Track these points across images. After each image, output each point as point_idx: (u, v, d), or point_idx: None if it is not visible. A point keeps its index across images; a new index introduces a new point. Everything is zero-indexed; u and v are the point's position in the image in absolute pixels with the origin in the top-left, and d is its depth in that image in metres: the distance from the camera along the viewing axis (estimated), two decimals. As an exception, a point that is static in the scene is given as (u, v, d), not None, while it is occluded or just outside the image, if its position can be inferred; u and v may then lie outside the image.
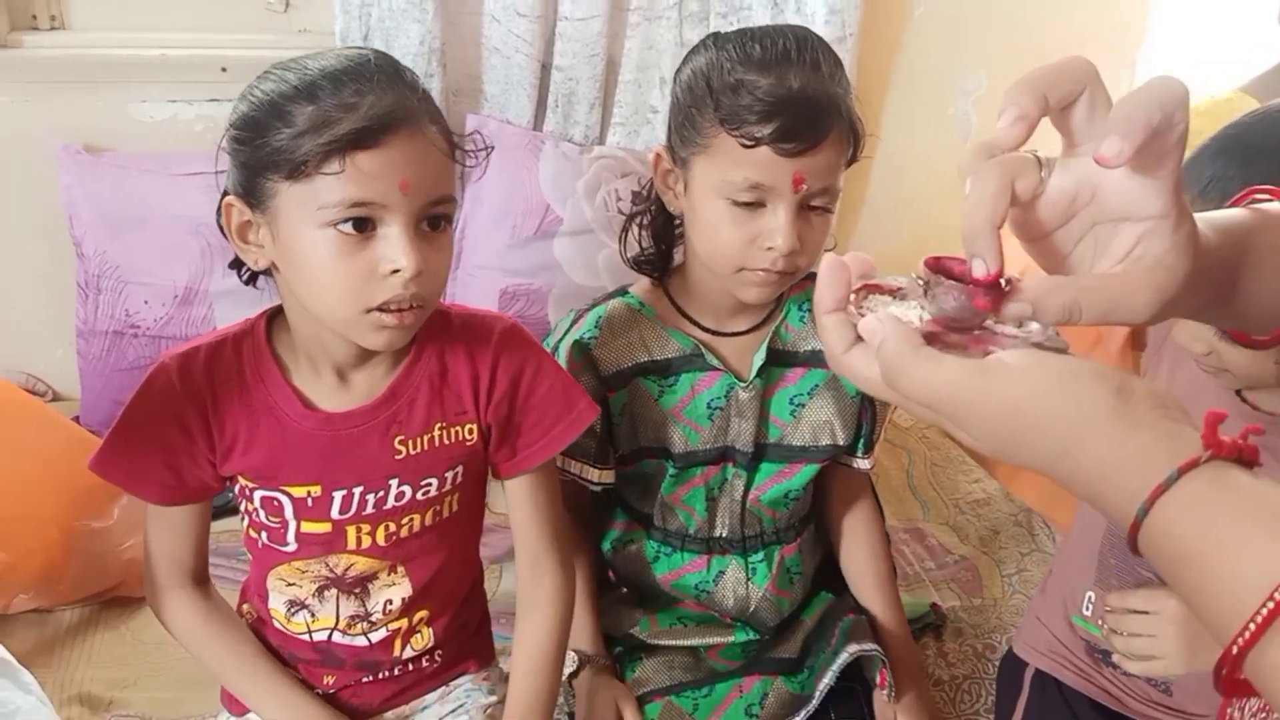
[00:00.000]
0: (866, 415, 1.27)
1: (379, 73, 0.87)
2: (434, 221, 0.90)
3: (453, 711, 1.13)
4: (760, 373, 1.19)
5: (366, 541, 1.02)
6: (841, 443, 1.24)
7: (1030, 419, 0.51)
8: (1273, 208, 0.66)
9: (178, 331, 1.87)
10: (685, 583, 1.26)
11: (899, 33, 2.07)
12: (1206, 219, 0.61)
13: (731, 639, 1.28)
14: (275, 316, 1.00)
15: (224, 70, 1.87)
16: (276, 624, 1.08)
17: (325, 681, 1.10)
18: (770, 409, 1.22)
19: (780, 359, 1.20)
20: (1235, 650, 0.44)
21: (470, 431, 1.03)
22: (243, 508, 1.03)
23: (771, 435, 1.23)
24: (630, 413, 1.20)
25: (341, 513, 1.00)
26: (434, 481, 1.03)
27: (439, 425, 1.01)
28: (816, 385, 1.22)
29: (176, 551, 1.05)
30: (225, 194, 0.92)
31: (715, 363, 1.19)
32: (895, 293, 0.60)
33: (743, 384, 1.20)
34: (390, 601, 1.07)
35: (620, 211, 1.94)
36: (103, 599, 1.53)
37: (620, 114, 2.01)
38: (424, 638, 1.11)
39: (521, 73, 1.93)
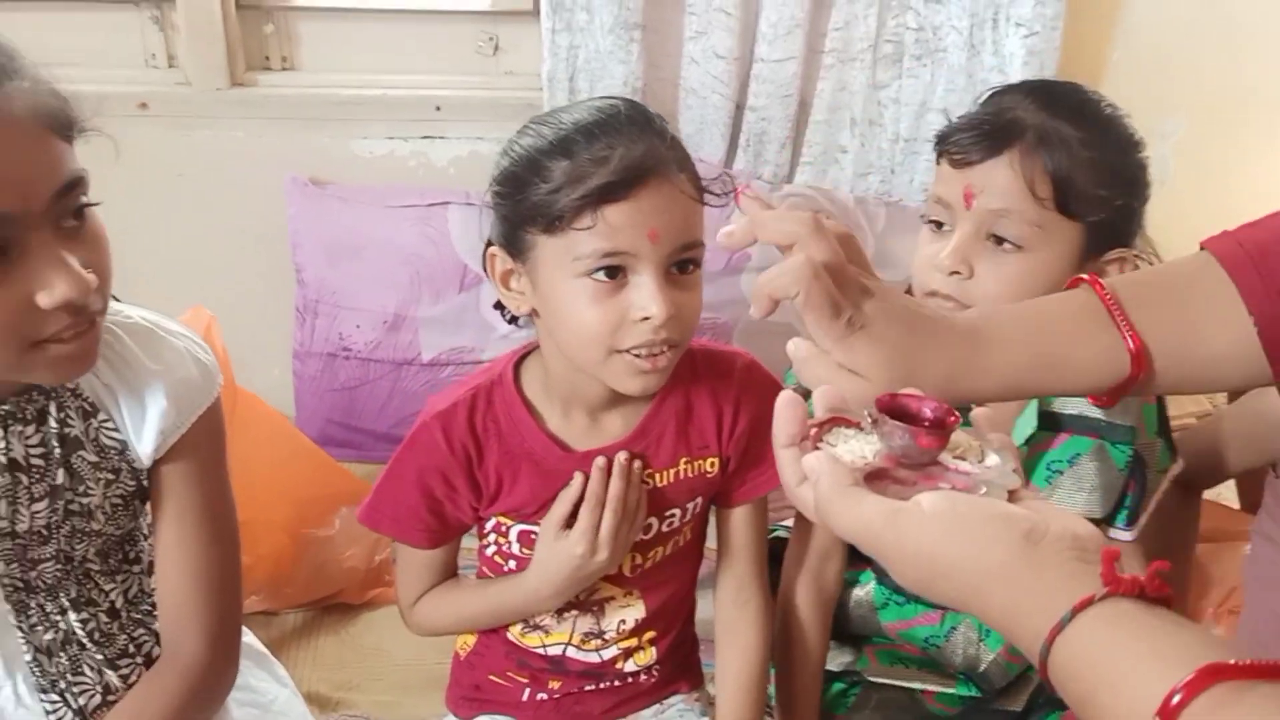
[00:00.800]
0: (1135, 487, 1.19)
1: (629, 124, 0.90)
2: (683, 265, 0.93)
3: None
4: (1028, 439, 1.14)
5: (613, 570, 1.06)
6: (1096, 515, 1.17)
7: (938, 564, 0.54)
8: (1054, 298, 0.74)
9: (386, 355, 1.98)
10: (915, 634, 1.25)
11: (1098, 76, 2.04)
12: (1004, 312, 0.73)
13: (953, 690, 1.26)
14: (519, 363, 1.06)
15: (437, 109, 1.98)
16: (510, 636, 1.13)
17: (551, 687, 1.15)
18: (1024, 473, 1.19)
19: (1045, 421, 1.14)
20: None
21: (712, 465, 1.07)
22: (491, 540, 1.09)
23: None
24: None
25: None
26: (676, 513, 1.07)
27: (684, 460, 1.05)
28: (1078, 454, 1.16)
29: (426, 586, 1.12)
30: (489, 244, 0.97)
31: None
32: (859, 426, 0.62)
33: None
34: (624, 622, 1.12)
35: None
36: (324, 604, 1.63)
37: (810, 153, 2.04)
38: (647, 655, 1.15)
39: (716, 113, 1.98)
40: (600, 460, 1.01)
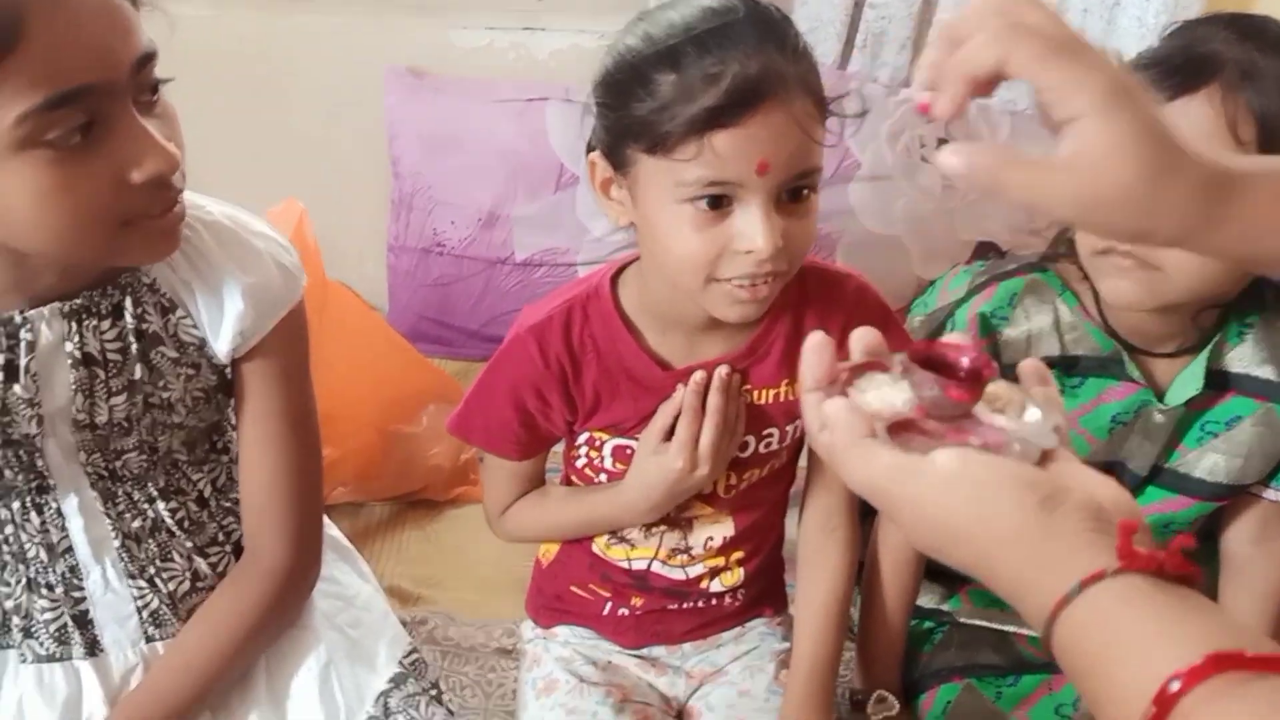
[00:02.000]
0: None
1: (748, 30, 0.80)
2: (796, 193, 0.85)
3: (748, 653, 1.14)
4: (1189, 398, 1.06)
5: (707, 489, 1.03)
6: (1248, 481, 1.10)
7: (947, 527, 0.51)
8: None
9: (480, 252, 1.95)
10: None
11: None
12: (1247, 161, 0.57)
13: None
14: (617, 275, 1.00)
15: (539, 0, 1.90)
16: (594, 548, 1.11)
17: (633, 603, 1.12)
18: (1178, 432, 1.10)
19: (1212, 379, 1.06)
20: None
21: None
22: (583, 452, 1.05)
23: (1170, 460, 1.11)
24: None
25: None
26: (775, 434, 1.02)
27: (786, 381, 1.00)
28: (1239, 417, 1.08)
29: (515, 495, 1.09)
30: (590, 148, 0.91)
31: (1136, 375, 1.07)
32: (902, 374, 0.59)
33: (1161, 406, 1.07)
34: (711, 539, 1.08)
35: (924, 159, 1.85)
36: (410, 499, 1.64)
37: (931, 55, 1.91)
38: (734, 575, 1.12)
39: (834, 10, 1.86)
40: (699, 374, 0.96)
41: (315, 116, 1.98)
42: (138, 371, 0.87)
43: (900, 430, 0.55)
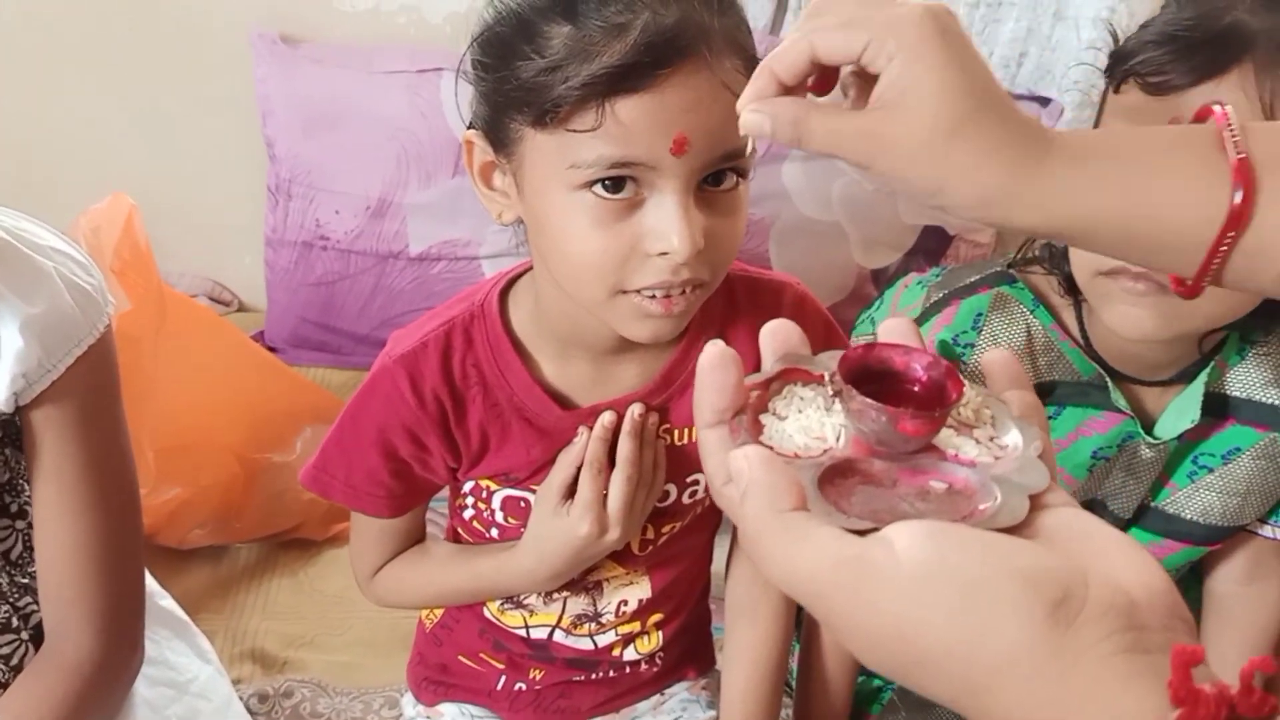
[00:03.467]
0: None
1: None
2: (720, 177, 0.67)
3: None
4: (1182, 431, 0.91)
5: (623, 546, 0.84)
6: (1244, 521, 0.96)
7: (915, 646, 0.36)
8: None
9: (369, 246, 1.72)
10: None
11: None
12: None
13: None
14: (507, 289, 0.82)
15: (431, -47, 1.67)
16: (486, 613, 0.93)
17: (532, 676, 0.96)
18: (1168, 467, 0.95)
19: (1210, 404, 0.90)
20: None
21: None
22: (470, 503, 0.87)
23: (1157, 499, 0.96)
24: None
25: None
26: (700, 480, 0.84)
27: None
28: (1238, 449, 0.92)
29: (388, 555, 0.92)
30: (470, 126, 0.73)
31: (1121, 404, 0.90)
32: (823, 381, 0.44)
33: (1150, 439, 0.91)
34: (625, 603, 0.92)
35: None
36: (281, 539, 1.42)
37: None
38: (651, 641, 0.96)
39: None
40: (607, 416, 0.79)
41: (177, 91, 1.73)
42: None
43: (834, 478, 0.40)
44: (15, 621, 0.81)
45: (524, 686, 0.96)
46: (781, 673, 0.95)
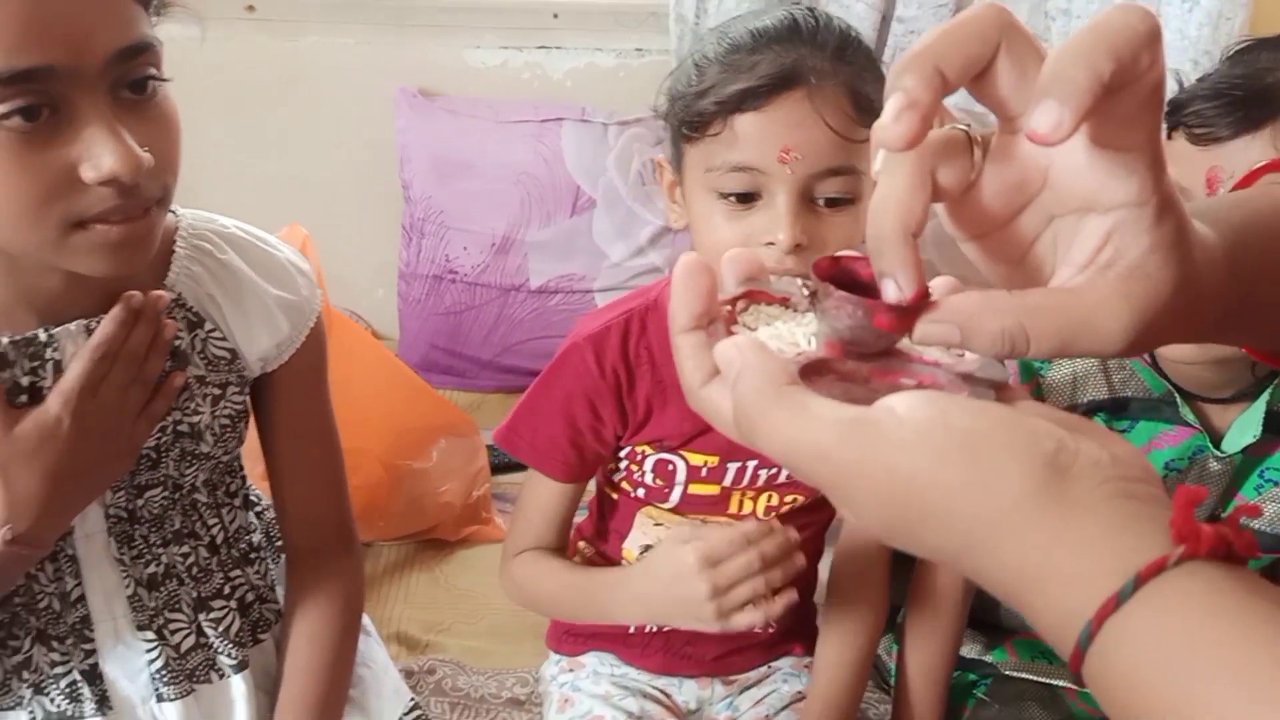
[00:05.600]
0: None
1: (797, 29, 0.83)
2: (833, 200, 0.83)
3: (766, 696, 1.09)
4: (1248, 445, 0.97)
5: (748, 508, 0.99)
6: None
7: (921, 499, 0.36)
8: None
9: (493, 279, 1.88)
10: None
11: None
12: (1196, 211, 0.43)
13: None
14: None
15: (555, 16, 1.85)
16: (624, 562, 1.06)
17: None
18: (1235, 480, 1.01)
19: (1271, 423, 0.96)
20: None
21: None
22: (624, 466, 1.01)
23: (1227, 509, 1.03)
24: None
25: (734, 482, 0.97)
26: None
27: None
28: None
29: (544, 535, 1.04)
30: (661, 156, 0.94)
31: (1190, 418, 0.98)
32: (785, 302, 0.45)
33: (1217, 453, 0.98)
34: None
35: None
36: (419, 539, 1.55)
37: (961, 72, 1.84)
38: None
39: (860, 23, 1.79)
40: (769, 530, 0.90)
41: (324, 139, 1.92)
42: (160, 372, 0.82)
43: (810, 376, 0.40)
44: (226, 589, 0.93)
45: (654, 628, 1.06)
46: (867, 659, 1.05)
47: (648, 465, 0.98)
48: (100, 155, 0.66)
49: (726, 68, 0.82)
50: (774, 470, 0.97)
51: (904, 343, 0.43)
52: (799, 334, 0.43)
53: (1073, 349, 0.40)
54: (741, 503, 0.99)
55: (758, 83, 0.80)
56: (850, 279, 0.43)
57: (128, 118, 0.68)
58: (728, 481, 0.97)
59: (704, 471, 0.97)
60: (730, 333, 0.43)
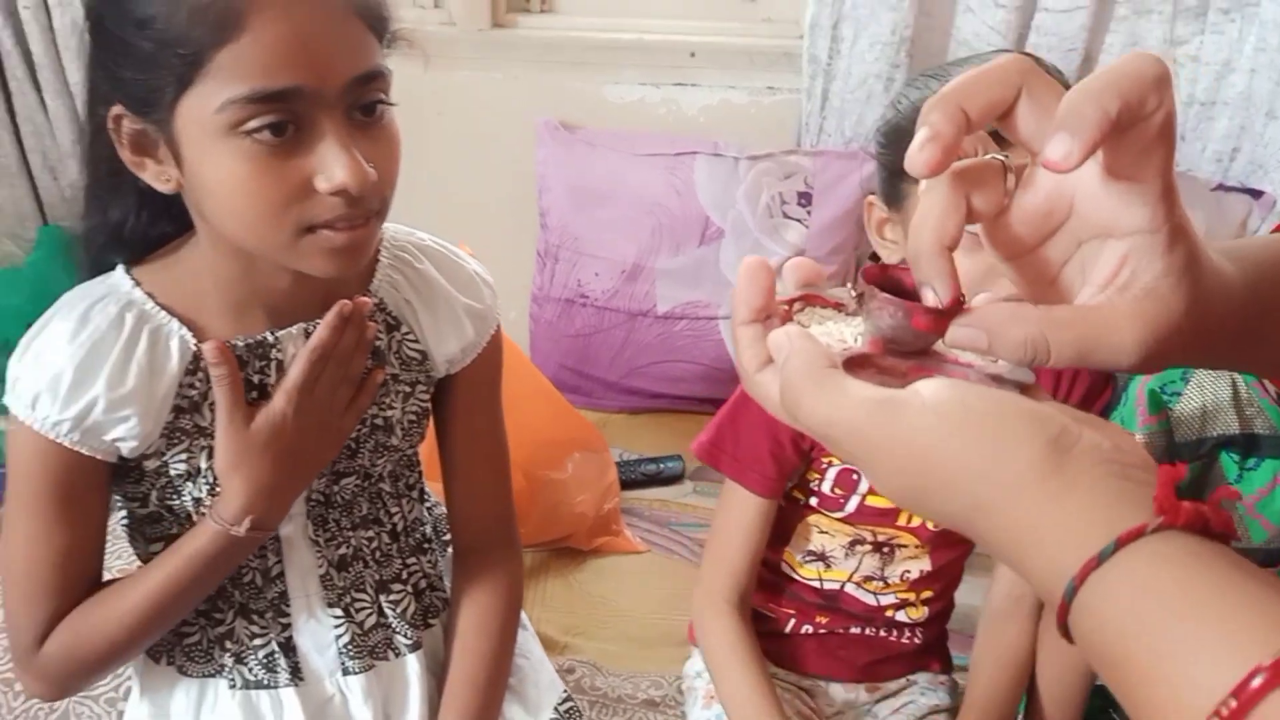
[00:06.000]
0: None
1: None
2: None
3: (905, 706, 1.13)
4: None
5: (918, 521, 1.04)
6: None
7: (938, 469, 0.41)
8: None
9: (622, 304, 1.96)
10: None
11: None
12: (1227, 249, 0.48)
13: None
14: None
15: (692, 55, 1.93)
16: (785, 566, 1.10)
17: (818, 621, 1.12)
18: None
19: None
20: None
21: None
22: (796, 474, 1.05)
23: None
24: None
25: None
26: None
27: None
28: None
29: (736, 564, 1.06)
30: (871, 192, 0.98)
31: None
32: (839, 307, 0.50)
33: None
34: (908, 572, 1.09)
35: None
36: (553, 547, 1.63)
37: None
38: (918, 611, 1.13)
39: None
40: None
41: (470, 166, 2.03)
42: (363, 369, 0.89)
43: (853, 368, 0.45)
44: (403, 574, 1.00)
45: (810, 629, 1.12)
46: (1024, 677, 1.08)
47: (830, 475, 1.02)
48: (333, 168, 0.73)
49: None
50: None
51: (940, 345, 0.47)
52: (847, 333, 0.48)
53: (1089, 360, 0.44)
54: (911, 516, 1.03)
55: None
56: (896, 285, 0.48)
57: (358, 136, 0.75)
58: None
59: None
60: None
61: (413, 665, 0.99)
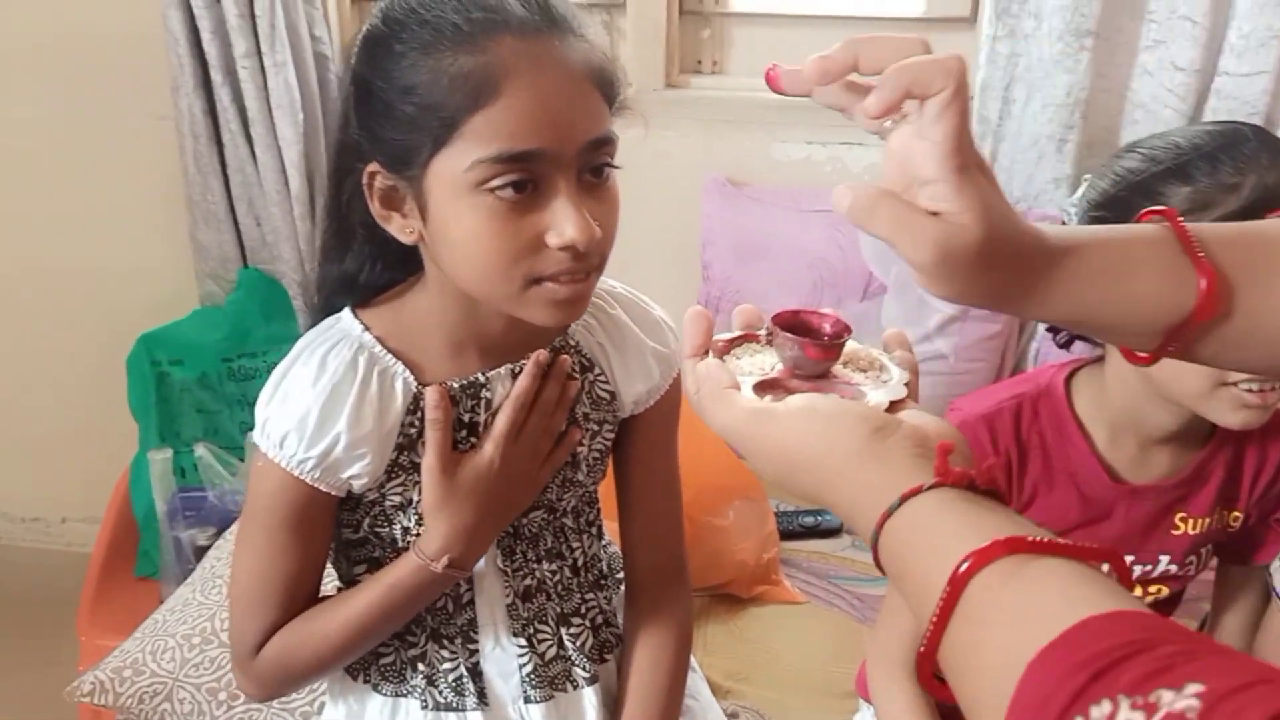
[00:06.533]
0: None
1: (1261, 150, 0.84)
2: None
3: None
4: None
5: None
6: None
7: (796, 456, 0.55)
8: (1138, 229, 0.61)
9: (782, 356, 1.99)
10: None
11: None
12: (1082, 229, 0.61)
13: None
14: (1071, 376, 1.02)
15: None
16: None
17: None
18: None
19: None
20: (923, 650, 0.47)
21: (1235, 518, 1.02)
22: None
23: None
24: None
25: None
26: (1194, 561, 1.02)
27: (1220, 509, 1.00)
28: None
29: (910, 635, 1.06)
30: None
31: None
32: (767, 342, 0.64)
33: None
34: None
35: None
36: (714, 592, 1.66)
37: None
38: None
39: (1164, 129, 1.82)
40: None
41: (637, 218, 2.07)
42: (564, 424, 0.95)
43: (767, 388, 0.60)
44: (582, 609, 1.04)
45: None
46: None
47: None
48: (565, 225, 0.79)
49: (1198, 190, 0.84)
50: (1148, 568, 1.00)
51: (838, 369, 0.62)
52: (767, 364, 0.62)
53: (895, 246, 0.57)
54: None
55: (1252, 204, 0.81)
56: (804, 325, 0.63)
57: (586, 196, 0.81)
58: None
59: None
60: (723, 359, 0.63)
61: (590, 698, 1.02)
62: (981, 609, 0.45)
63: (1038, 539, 0.46)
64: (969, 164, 0.55)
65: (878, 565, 0.52)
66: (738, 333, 0.65)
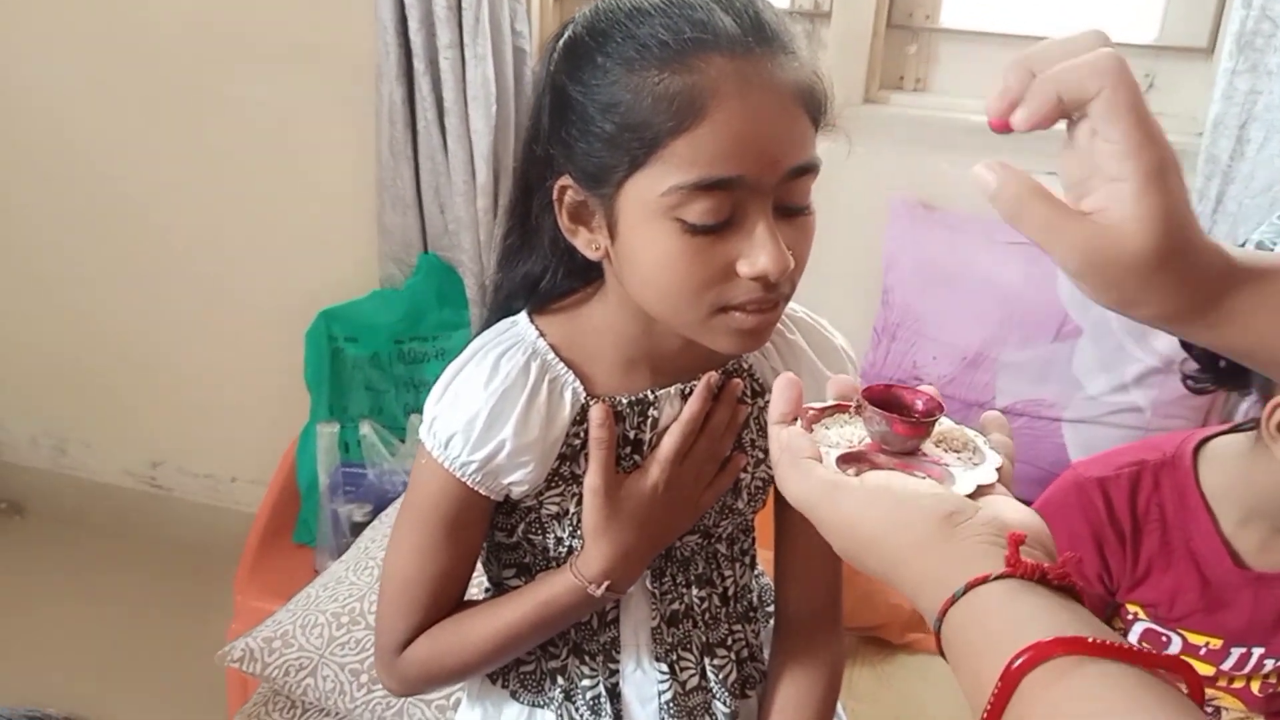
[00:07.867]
0: None
1: None
2: None
3: None
4: None
5: (1240, 683, 0.96)
6: None
7: (862, 533, 0.55)
8: None
9: (958, 392, 1.89)
10: None
11: None
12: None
13: None
14: (1200, 447, 0.95)
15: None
16: None
17: None
18: None
19: None
20: None
21: None
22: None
23: None
24: None
25: (1234, 667, 0.94)
26: None
27: None
28: None
29: None
30: None
31: None
32: (856, 413, 0.62)
33: None
34: None
35: None
36: (864, 634, 1.58)
37: None
38: None
39: None
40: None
41: (818, 237, 2.03)
42: (729, 450, 0.91)
43: (851, 461, 0.59)
44: (729, 640, 1.00)
45: None
46: None
47: (1135, 630, 0.96)
48: (758, 254, 0.75)
49: None
50: (1278, 662, 0.93)
51: (928, 447, 0.60)
52: (855, 435, 0.62)
53: (1047, 247, 0.54)
54: (1233, 679, 0.95)
55: None
56: (895, 400, 0.61)
57: (781, 224, 0.77)
58: (1227, 665, 0.93)
59: (1202, 651, 0.94)
60: (809, 428, 0.62)
61: None
62: (1033, 710, 0.44)
63: (1099, 640, 0.45)
64: (1157, 166, 0.52)
65: (940, 653, 0.52)
66: (831, 402, 0.64)
